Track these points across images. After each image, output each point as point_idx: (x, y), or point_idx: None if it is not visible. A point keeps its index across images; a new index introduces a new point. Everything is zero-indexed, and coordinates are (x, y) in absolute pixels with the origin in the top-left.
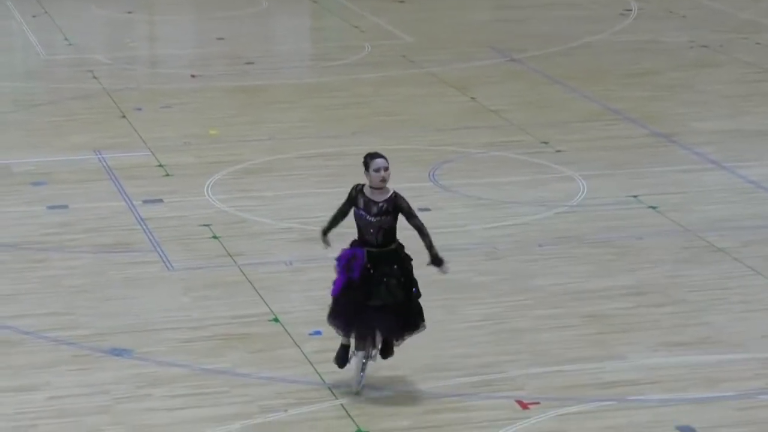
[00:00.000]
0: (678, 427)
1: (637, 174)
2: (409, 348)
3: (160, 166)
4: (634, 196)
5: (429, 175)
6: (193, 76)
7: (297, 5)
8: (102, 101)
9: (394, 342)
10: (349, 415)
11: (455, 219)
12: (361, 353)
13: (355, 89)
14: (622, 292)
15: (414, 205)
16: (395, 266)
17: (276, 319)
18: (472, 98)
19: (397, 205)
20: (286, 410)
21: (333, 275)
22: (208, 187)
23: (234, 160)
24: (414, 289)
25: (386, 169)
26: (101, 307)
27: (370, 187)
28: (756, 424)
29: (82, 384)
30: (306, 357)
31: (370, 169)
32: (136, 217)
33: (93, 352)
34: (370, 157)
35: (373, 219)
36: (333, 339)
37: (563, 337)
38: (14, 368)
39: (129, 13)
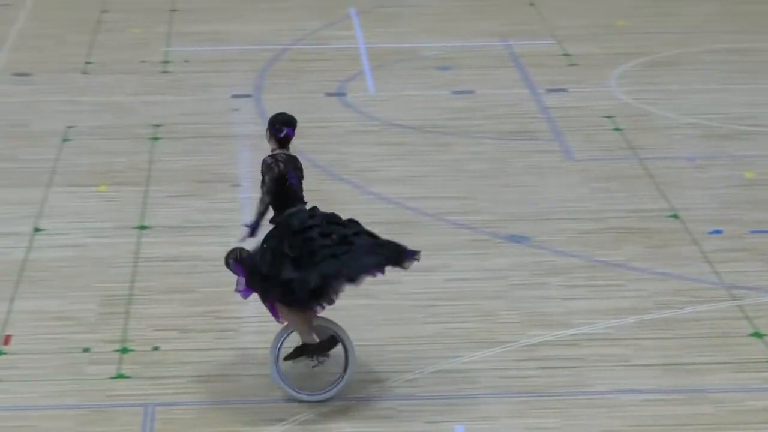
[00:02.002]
0: None
1: None
2: None
3: (566, 55)
4: None
5: None
6: None
7: None
8: None
9: None
10: (747, 317)
11: None
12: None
13: None
14: None
15: None
16: None
17: (675, 216)
18: None
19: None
20: (682, 308)
21: (731, 172)
22: (613, 78)
23: (640, 52)
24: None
25: None
26: (501, 194)
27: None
28: None
29: (480, 268)
30: (704, 255)
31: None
32: (539, 106)
33: (491, 237)
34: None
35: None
36: (734, 238)
37: None
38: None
39: None
